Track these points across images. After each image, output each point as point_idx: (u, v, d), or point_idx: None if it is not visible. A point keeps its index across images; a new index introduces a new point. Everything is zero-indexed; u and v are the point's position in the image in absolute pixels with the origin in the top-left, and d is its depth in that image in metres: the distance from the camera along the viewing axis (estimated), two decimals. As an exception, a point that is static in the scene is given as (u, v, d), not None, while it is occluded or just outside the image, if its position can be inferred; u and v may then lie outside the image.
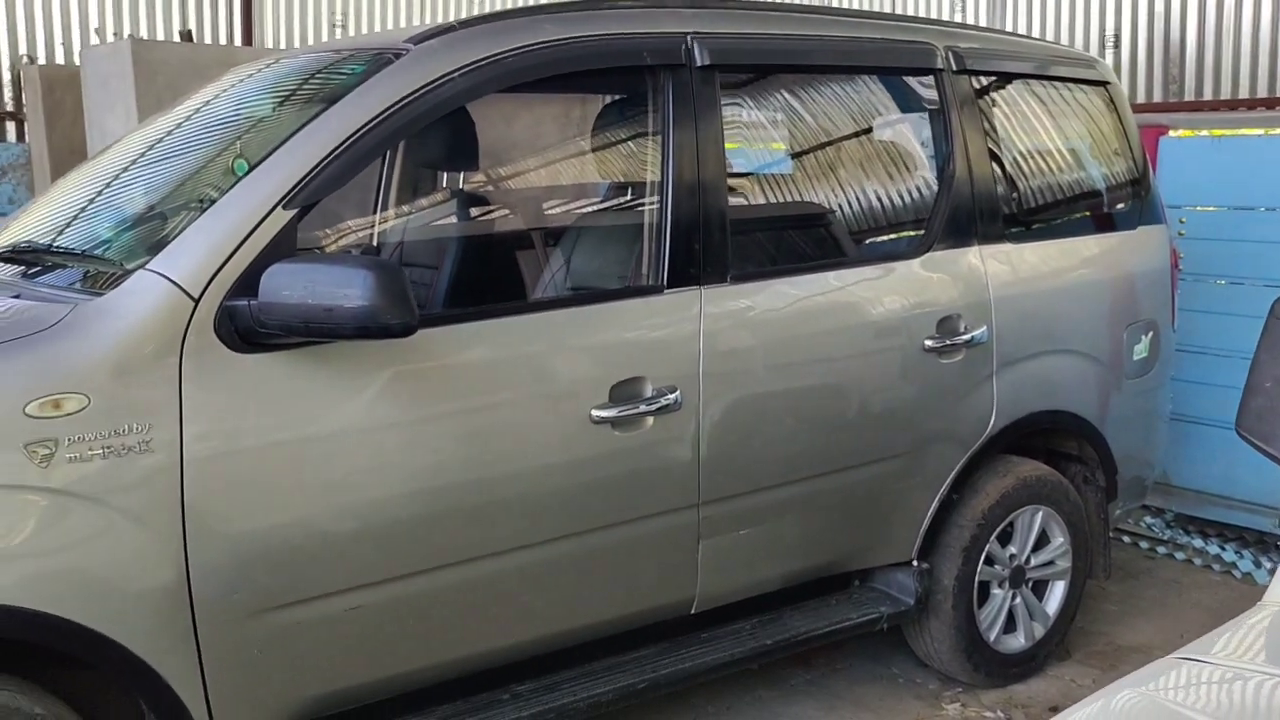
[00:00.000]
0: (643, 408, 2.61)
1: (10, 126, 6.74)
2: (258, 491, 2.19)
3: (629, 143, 3.07)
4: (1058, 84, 3.63)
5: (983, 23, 6.75)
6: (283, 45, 7.48)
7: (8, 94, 6.71)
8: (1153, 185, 3.82)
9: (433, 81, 2.41)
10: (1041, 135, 3.59)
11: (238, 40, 7.19)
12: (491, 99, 2.66)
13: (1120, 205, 3.77)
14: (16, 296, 2.28)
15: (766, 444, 2.85)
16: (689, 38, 2.76)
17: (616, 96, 3.17)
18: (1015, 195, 3.46)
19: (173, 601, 2.11)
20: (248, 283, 2.15)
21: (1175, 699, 1.32)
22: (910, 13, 7.21)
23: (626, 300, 2.72)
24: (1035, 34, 6.52)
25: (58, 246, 2.55)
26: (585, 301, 2.73)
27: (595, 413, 2.55)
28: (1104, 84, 3.73)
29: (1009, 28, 6.62)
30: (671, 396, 2.65)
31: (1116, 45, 6.05)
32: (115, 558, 2.05)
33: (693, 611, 2.89)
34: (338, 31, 7.73)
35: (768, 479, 2.88)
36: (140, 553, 2.08)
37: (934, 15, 7.04)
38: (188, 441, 2.10)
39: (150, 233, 2.43)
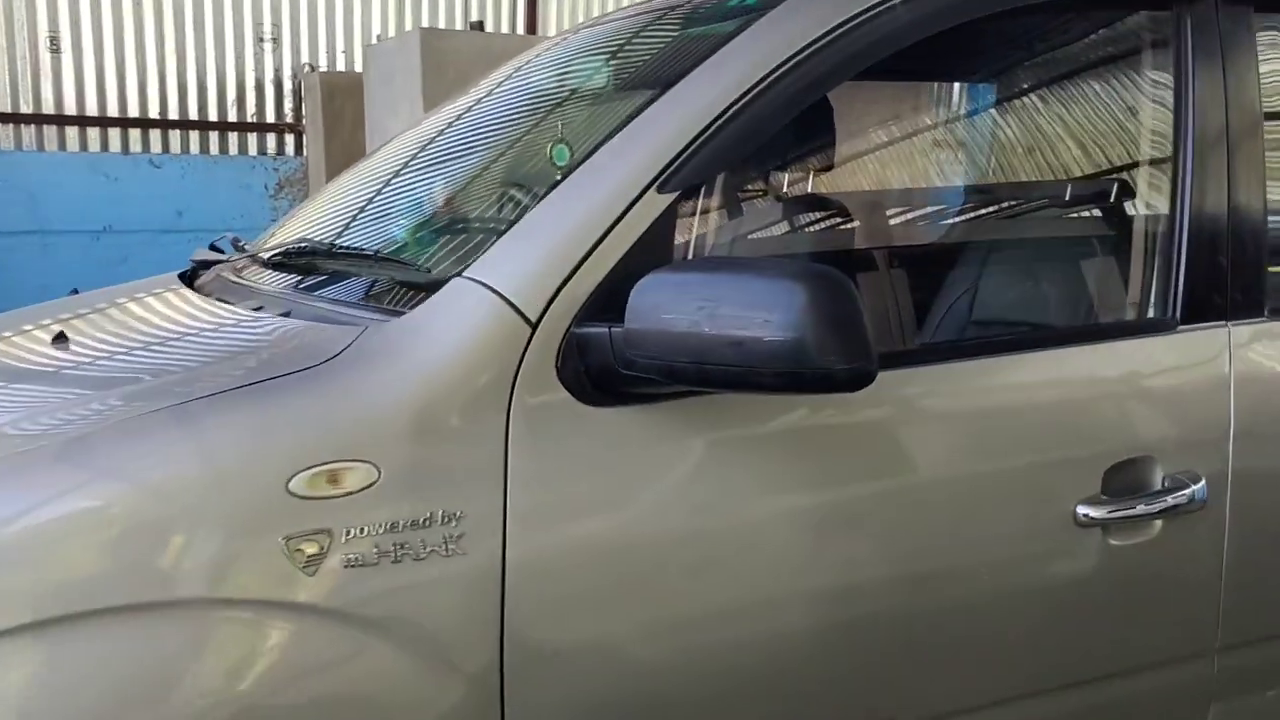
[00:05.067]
0: (1144, 507, 1.72)
1: (289, 140, 6.55)
2: (618, 617, 1.45)
3: (1114, 113, 2.18)
4: None
5: None
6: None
7: (288, 105, 6.52)
8: None
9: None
10: None
11: (520, 31, 6.77)
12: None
13: None
14: (286, 314, 1.65)
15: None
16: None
17: (1091, 48, 2.28)
18: None
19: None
20: (606, 301, 1.43)
21: None
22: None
23: (1114, 342, 1.84)
24: None
25: (340, 248, 1.92)
26: (1050, 344, 1.86)
27: (1082, 511, 1.68)
28: None
29: None
30: (1189, 490, 1.74)
31: None
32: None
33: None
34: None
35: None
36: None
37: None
38: (512, 539, 1.39)
39: (458, 234, 1.77)
